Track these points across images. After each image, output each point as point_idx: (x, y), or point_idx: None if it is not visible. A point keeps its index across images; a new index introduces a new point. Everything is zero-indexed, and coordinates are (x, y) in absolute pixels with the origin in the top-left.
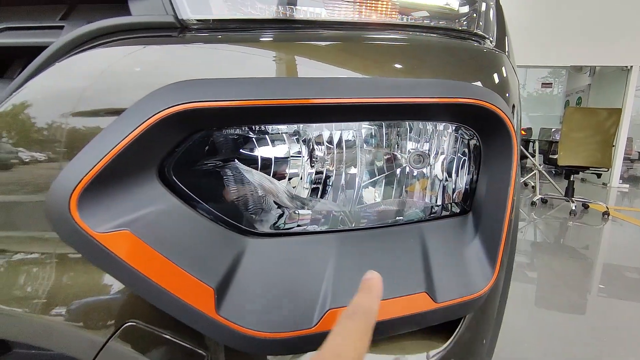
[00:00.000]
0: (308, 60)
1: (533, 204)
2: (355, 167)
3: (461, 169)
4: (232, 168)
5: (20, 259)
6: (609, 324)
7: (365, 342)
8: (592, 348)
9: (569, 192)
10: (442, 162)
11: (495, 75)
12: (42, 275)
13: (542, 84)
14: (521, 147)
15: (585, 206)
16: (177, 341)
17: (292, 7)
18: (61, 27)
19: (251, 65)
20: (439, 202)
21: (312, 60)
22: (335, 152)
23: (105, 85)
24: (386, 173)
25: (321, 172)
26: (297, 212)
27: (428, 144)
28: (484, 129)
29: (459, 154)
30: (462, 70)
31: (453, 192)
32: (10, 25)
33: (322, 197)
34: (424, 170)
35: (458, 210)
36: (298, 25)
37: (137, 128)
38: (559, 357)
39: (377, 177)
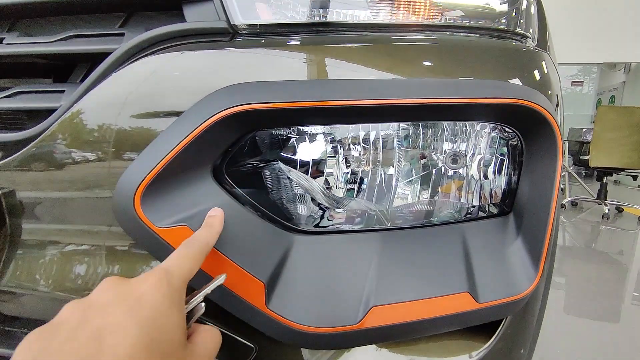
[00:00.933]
0: (349, 62)
1: (562, 206)
2: (392, 167)
3: (500, 169)
4: (276, 168)
5: (72, 249)
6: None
7: (194, 268)
8: (625, 357)
9: (602, 195)
10: (480, 163)
11: (537, 74)
12: (92, 266)
13: (573, 82)
14: None
15: (620, 209)
16: (229, 333)
17: (332, 9)
18: (122, 34)
19: (296, 67)
20: (477, 203)
21: (353, 62)
22: (371, 152)
23: (163, 89)
24: (423, 173)
25: (356, 173)
26: (336, 210)
27: (465, 144)
28: (526, 129)
29: (497, 154)
30: (503, 70)
31: (493, 193)
32: (76, 33)
33: (358, 195)
34: (461, 171)
35: (497, 211)
36: (339, 28)
37: (195, 129)
38: None
39: (413, 177)
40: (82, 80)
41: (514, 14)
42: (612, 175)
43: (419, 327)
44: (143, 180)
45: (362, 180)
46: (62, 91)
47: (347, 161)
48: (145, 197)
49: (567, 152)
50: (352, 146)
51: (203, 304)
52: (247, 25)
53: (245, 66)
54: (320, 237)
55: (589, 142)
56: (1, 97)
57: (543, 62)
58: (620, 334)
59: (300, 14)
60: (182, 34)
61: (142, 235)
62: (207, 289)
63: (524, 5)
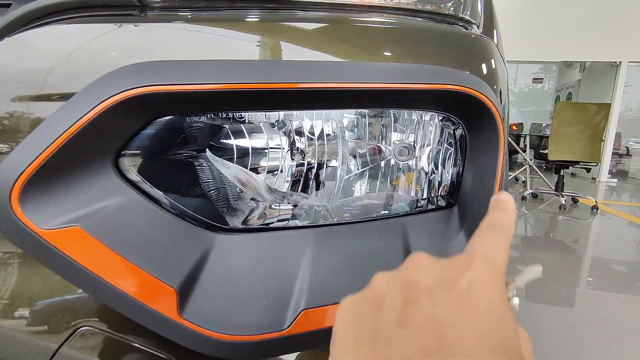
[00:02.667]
0: (284, 42)
1: (524, 198)
2: (336, 160)
3: (447, 161)
4: (201, 159)
5: None
6: (597, 315)
7: (506, 254)
8: (579, 339)
9: (559, 187)
10: (428, 155)
11: (483, 63)
12: None
13: (534, 79)
14: (512, 142)
15: (575, 200)
16: (138, 345)
17: None
18: (8, 5)
19: (218, 46)
20: (424, 196)
21: (290, 42)
22: (316, 143)
23: (56, 66)
24: (370, 166)
25: (301, 165)
26: (272, 206)
27: (413, 135)
28: (469, 118)
29: (445, 146)
30: (447, 56)
31: (439, 185)
32: None
33: (302, 191)
34: (409, 162)
35: (444, 204)
36: (275, 5)
37: (87, 113)
38: (545, 349)
39: (360, 170)
40: None
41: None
42: (568, 168)
43: None
44: (21, 174)
45: (302, 172)
46: None
47: (291, 152)
48: (26, 194)
49: (528, 146)
50: (296, 137)
51: (517, 300)
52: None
53: (153, 44)
54: (246, 236)
55: (548, 137)
56: None
57: (489, 51)
58: (573, 317)
59: None
60: (80, 5)
61: (22, 238)
62: (522, 282)
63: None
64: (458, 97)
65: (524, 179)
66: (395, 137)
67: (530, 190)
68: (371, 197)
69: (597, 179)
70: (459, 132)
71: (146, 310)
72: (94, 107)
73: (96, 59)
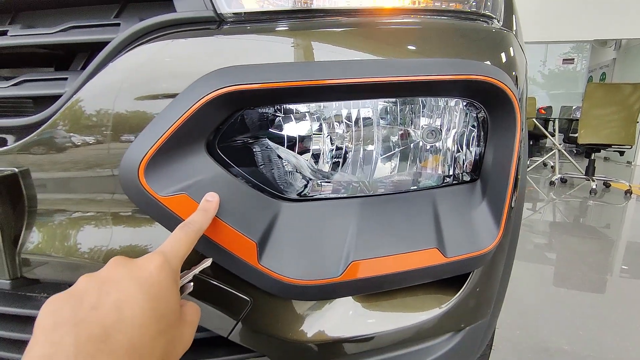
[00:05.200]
0: (328, 45)
1: (552, 183)
2: (372, 144)
3: (471, 141)
4: (264, 144)
5: (80, 216)
6: (628, 301)
7: (188, 250)
8: (609, 324)
9: (590, 171)
10: (454, 136)
11: (502, 54)
12: (101, 231)
13: (564, 60)
14: (539, 125)
15: (607, 185)
16: (226, 288)
17: None
18: (118, 25)
19: (279, 51)
20: (451, 172)
21: (331, 45)
22: (353, 129)
23: (157, 74)
24: (401, 148)
25: (340, 148)
26: (320, 183)
27: (440, 119)
28: (490, 103)
29: (469, 127)
30: (471, 50)
31: (464, 163)
32: (75, 24)
33: (341, 170)
34: (437, 144)
35: (468, 179)
36: (318, 14)
37: (189, 109)
38: (574, 333)
39: (392, 152)
40: (83, 68)
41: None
42: (600, 151)
43: (393, 280)
44: (146, 154)
45: (345, 154)
46: (65, 79)
47: (330, 138)
48: (148, 170)
49: (557, 130)
50: (335, 124)
51: (192, 283)
52: (232, 13)
53: (231, 51)
54: (306, 204)
55: (578, 120)
56: (9, 85)
57: (508, 42)
58: (606, 305)
59: (282, 1)
60: (172, 23)
61: (147, 203)
62: (196, 271)
63: None
64: (480, 85)
65: (552, 164)
66: (423, 121)
67: (559, 175)
68: (403, 174)
69: (632, 163)
70: (481, 115)
71: (235, 259)
72: (194, 104)
73: (191, 65)
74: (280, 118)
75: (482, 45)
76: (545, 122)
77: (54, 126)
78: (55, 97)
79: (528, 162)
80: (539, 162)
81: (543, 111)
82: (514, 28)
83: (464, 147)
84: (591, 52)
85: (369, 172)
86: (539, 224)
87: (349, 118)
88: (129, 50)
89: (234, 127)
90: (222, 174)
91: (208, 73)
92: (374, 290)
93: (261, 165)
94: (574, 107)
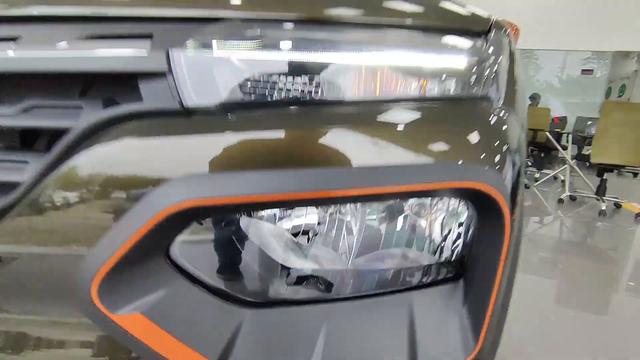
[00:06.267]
0: (311, 147)
1: (560, 201)
2: (353, 231)
3: (457, 238)
4: (228, 241)
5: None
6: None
7: None
8: (611, 344)
9: (601, 191)
10: (441, 232)
11: (497, 156)
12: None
13: (582, 70)
14: (551, 138)
15: (618, 205)
16: None
17: (295, 87)
18: (80, 107)
19: (253, 153)
20: (433, 271)
21: (317, 147)
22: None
23: (120, 174)
24: (383, 237)
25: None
26: (288, 281)
27: (425, 214)
28: (480, 205)
29: (456, 224)
30: (461, 149)
31: (448, 259)
32: (36, 104)
33: (314, 265)
34: (420, 235)
35: (450, 276)
36: (299, 107)
37: (145, 224)
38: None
39: (373, 244)
40: (48, 149)
41: (482, 76)
42: (612, 171)
43: None
44: (98, 272)
45: (317, 252)
46: (26, 162)
47: (305, 230)
48: (101, 287)
49: (570, 142)
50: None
51: None
52: (202, 107)
53: (198, 152)
54: (271, 311)
55: (591, 137)
56: None
57: (504, 137)
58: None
59: (260, 93)
60: (137, 115)
61: (101, 322)
62: None
63: (493, 70)
64: (471, 191)
65: (563, 178)
66: (408, 218)
67: (568, 193)
68: (382, 272)
69: None
70: (470, 212)
71: None
72: (151, 218)
73: (152, 169)
74: (247, 219)
75: (475, 144)
76: (559, 135)
77: (10, 219)
78: (12, 185)
79: (538, 175)
80: (549, 175)
81: (557, 120)
82: (515, 104)
83: (448, 243)
84: (612, 63)
85: (347, 264)
86: (544, 241)
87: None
88: (91, 142)
89: (197, 232)
90: (183, 285)
91: (163, 185)
92: None
93: (225, 265)
94: (589, 123)
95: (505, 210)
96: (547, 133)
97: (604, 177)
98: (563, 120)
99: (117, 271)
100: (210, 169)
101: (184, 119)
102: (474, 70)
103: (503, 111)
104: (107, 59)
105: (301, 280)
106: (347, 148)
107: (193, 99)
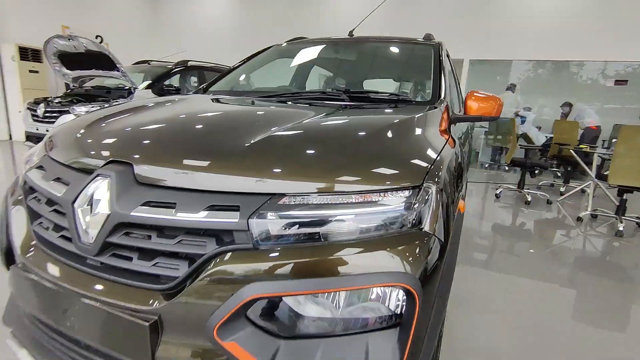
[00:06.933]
0: (317, 267)
1: (579, 219)
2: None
3: (397, 307)
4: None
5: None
6: None
7: None
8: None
9: (620, 210)
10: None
11: (417, 264)
12: None
13: (616, 81)
14: (575, 154)
15: None
16: None
17: (306, 234)
18: (205, 243)
19: (285, 270)
20: (383, 323)
21: (321, 266)
22: None
23: (227, 279)
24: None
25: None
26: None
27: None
28: (405, 291)
29: (396, 298)
30: (398, 261)
31: (391, 316)
32: (184, 238)
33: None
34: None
35: (392, 325)
36: (308, 246)
37: (238, 303)
38: None
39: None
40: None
41: (414, 218)
42: (632, 192)
43: None
44: (218, 322)
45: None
46: (178, 267)
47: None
48: (219, 328)
49: (595, 158)
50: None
51: None
52: (264, 247)
53: (260, 269)
54: (295, 341)
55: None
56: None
57: (424, 247)
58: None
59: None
60: (233, 250)
61: (217, 346)
62: None
63: (422, 210)
64: (399, 286)
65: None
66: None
67: (589, 211)
68: (355, 321)
69: None
70: (401, 294)
71: None
72: (241, 300)
73: (241, 276)
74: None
75: (403, 261)
76: (585, 154)
77: (177, 297)
78: (172, 278)
79: (564, 189)
80: (576, 189)
81: (594, 127)
82: (437, 232)
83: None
84: None
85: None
86: (566, 252)
87: None
88: (213, 262)
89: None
90: (250, 327)
91: (246, 285)
92: None
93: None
94: (613, 140)
95: (416, 294)
96: (572, 151)
97: (624, 197)
98: (599, 129)
99: (225, 322)
100: (267, 278)
101: (255, 251)
102: (409, 213)
103: (426, 238)
104: (221, 222)
105: (312, 322)
106: (333, 267)
107: (260, 243)
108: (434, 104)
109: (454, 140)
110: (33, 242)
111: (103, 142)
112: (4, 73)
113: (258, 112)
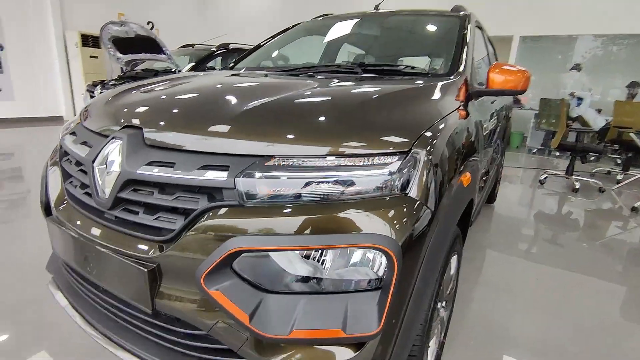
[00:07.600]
0: (303, 224)
1: (634, 209)
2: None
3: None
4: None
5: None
6: None
7: None
8: None
9: None
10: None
11: (401, 226)
12: None
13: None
14: (636, 139)
15: None
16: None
17: (295, 193)
18: (198, 199)
19: (269, 225)
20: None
21: (305, 224)
22: None
23: (215, 232)
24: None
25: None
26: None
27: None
28: (385, 254)
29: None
30: (382, 223)
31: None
32: (181, 195)
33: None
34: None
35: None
36: (294, 204)
37: (223, 254)
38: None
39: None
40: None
41: (401, 183)
42: None
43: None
44: (204, 271)
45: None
46: (175, 220)
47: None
48: (205, 277)
49: None
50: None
51: None
52: (250, 203)
53: (246, 224)
54: (279, 295)
55: None
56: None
57: (410, 213)
58: None
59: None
60: (222, 205)
61: (204, 293)
62: None
63: (410, 177)
64: (378, 248)
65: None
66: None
67: None
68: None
69: None
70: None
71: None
72: (225, 252)
73: (228, 229)
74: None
75: (386, 223)
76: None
77: (172, 247)
78: (169, 230)
79: (621, 177)
80: (635, 177)
81: None
82: (427, 199)
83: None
84: None
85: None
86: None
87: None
88: (204, 216)
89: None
90: (234, 279)
91: (230, 239)
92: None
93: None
94: None
95: (394, 257)
96: (632, 134)
97: None
98: None
99: (211, 272)
100: (249, 232)
101: (241, 208)
102: (396, 177)
103: (410, 204)
104: (211, 180)
105: (295, 280)
106: (314, 225)
107: (245, 200)
108: (450, 77)
109: (467, 114)
110: (65, 198)
111: (121, 110)
112: (69, 59)
113: (261, 84)
